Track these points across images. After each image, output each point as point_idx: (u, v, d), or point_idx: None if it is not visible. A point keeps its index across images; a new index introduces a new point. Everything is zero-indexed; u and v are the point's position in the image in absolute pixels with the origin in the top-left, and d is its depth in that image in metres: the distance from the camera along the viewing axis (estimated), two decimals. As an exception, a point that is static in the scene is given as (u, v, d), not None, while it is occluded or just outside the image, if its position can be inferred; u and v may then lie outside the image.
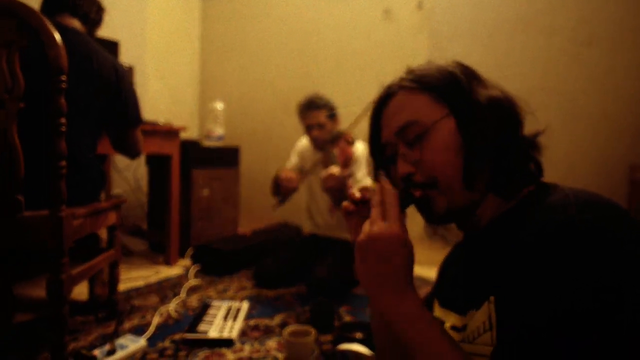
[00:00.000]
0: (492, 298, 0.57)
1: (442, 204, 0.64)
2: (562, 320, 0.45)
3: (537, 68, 2.30)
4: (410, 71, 0.68)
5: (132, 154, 1.80)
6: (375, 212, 0.61)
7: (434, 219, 0.67)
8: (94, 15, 1.63)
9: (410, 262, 0.59)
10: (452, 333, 0.64)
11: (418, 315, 0.56)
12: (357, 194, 0.69)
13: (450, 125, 0.62)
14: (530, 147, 0.64)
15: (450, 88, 0.63)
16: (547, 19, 2.28)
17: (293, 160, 2.39)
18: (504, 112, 0.62)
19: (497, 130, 0.61)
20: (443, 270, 0.79)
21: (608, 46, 2.14)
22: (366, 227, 0.60)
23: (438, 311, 0.71)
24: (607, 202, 0.53)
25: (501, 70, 2.35)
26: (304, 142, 2.34)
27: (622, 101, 2.12)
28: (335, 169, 1.82)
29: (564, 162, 2.23)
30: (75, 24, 1.55)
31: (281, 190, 2.08)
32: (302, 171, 2.27)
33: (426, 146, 0.63)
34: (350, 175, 1.85)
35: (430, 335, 0.55)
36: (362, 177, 2.06)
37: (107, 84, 1.54)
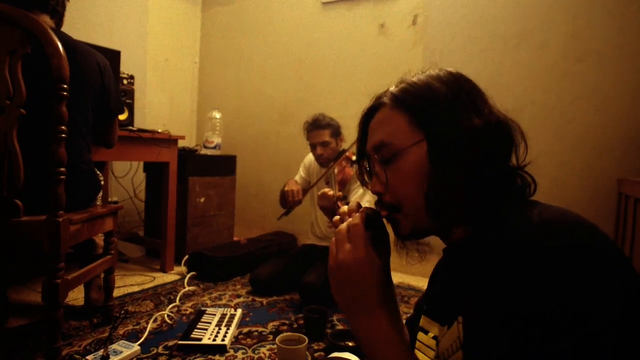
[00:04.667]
0: (460, 318, 0.58)
1: (407, 226, 0.65)
2: (522, 344, 0.45)
3: (528, 82, 2.35)
4: (399, 82, 0.66)
5: (111, 144, 1.77)
6: (341, 235, 0.64)
7: (399, 237, 0.68)
8: (60, 8, 1.56)
9: (378, 282, 0.61)
10: (434, 343, 0.66)
11: (384, 337, 0.59)
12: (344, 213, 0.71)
13: (421, 152, 0.60)
14: (513, 177, 0.62)
15: (429, 112, 0.61)
16: (538, 35, 2.33)
17: (301, 173, 2.46)
18: (484, 142, 0.58)
19: (471, 162, 0.58)
20: (432, 278, 0.80)
21: (597, 62, 2.19)
22: (333, 250, 0.64)
23: (423, 319, 0.72)
24: (575, 222, 0.51)
25: (493, 85, 2.37)
26: (311, 156, 2.39)
27: (610, 115, 2.17)
28: (329, 190, 1.88)
29: (553, 176, 2.26)
30: (47, 20, 1.51)
31: (286, 202, 2.16)
32: (308, 185, 2.33)
33: (394, 170, 0.63)
34: (343, 197, 1.93)
35: (389, 357, 0.57)
36: (357, 199, 2.11)
37: (93, 83, 1.54)
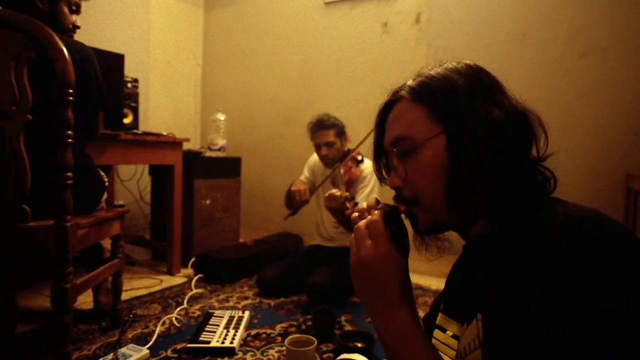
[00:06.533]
0: (479, 316, 0.58)
1: (425, 221, 0.64)
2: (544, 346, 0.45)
3: (533, 79, 2.33)
4: (417, 76, 0.65)
5: (94, 136, 1.71)
6: (360, 232, 0.64)
7: (418, 232, 0.68)
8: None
9: (400, 278, 0.62)
10: (453, 342, 0.65)
11: (407, 332, 0.59)
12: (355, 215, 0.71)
13: (440, 145, 0.60)
14: (532, 170, 0.61)
15: (448, 104, 0.60)
16: (542, 32, 2.31)
17: (306, 173, 2.44)
18: (503, 134, 0.57)
19: (491, 155, 0.57)
20: (450, 276, 0.78)
21: (602, 57, 2.17)
22: (354, 247, 0.64)
23: (440, 317, 0.71)
24: (590, 217, 0.52)
25: (499, 81, 2.38)
26: (315, 157, 2.38)
27: (616, 111, 2.15)
28: (336, 190, 1.87)
29: (560, 173, 2.21)
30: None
31: (293, 202, 2.15)
32: (313, 186, 2.32)
33: (413, 164, 0.62)
34: (351, 198, 1.91)
35: (414, 354, 0.58)
36: (364, 199, 2.10)
37: (78, 77, 1.42)
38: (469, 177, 0.57)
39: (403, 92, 0.65)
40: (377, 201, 0.70)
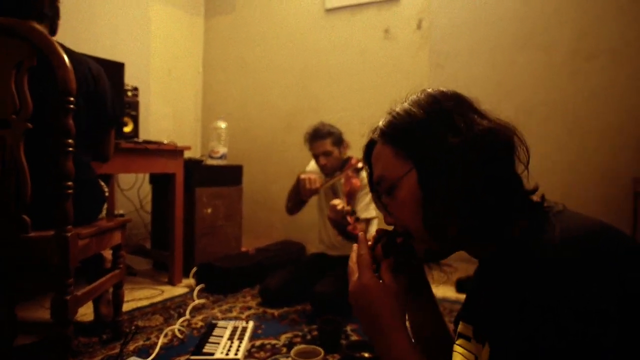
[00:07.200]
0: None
1: (420, 250, 0.67)
2: None
3: (539, 83, 2.32)
4: (386, 115, 0.68)
5: (106, 156, 1.71)
6: (351, 267, 0.69)
7: (419, 260, 0.72)
8: (56, 18, 1.47)
9: (390, 304, 0.64)
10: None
11: (400, 356, 0.62)
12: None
13: (412, 180, 0.62)
14: (510, 186, 0.61)
15: (410, 141, 0.63)
16: (546, 35, 2.31)
17: None
18: (465, 159, 0.58)
19: (458, 181, 0.58)
20: (472, 286, 0.78)
21: (608, 59, 2.16)
22: (349, 276, 0.69)
23: (462, 325, 0.71)
24: (595, 237, 0.52)
25: (503, 86, 2.37)
26: (313, 164, 2.34)
27: (624, 114, 2.13)
28: (338, 202, 1.84)
29: (567, 176, 2.23)
30: (44, 31, 1.40)
31: (302, 192, 2.09)
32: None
33: (395, 201, 0.66)
34: (352, 212, 1.88)
35: None
36: (363, 209, 2.07)
37: (85, 89, 1.47)
38: (440, 206, 0.59)
39: (375, 135, 0.69)
40: (379, 231, 0.74)
